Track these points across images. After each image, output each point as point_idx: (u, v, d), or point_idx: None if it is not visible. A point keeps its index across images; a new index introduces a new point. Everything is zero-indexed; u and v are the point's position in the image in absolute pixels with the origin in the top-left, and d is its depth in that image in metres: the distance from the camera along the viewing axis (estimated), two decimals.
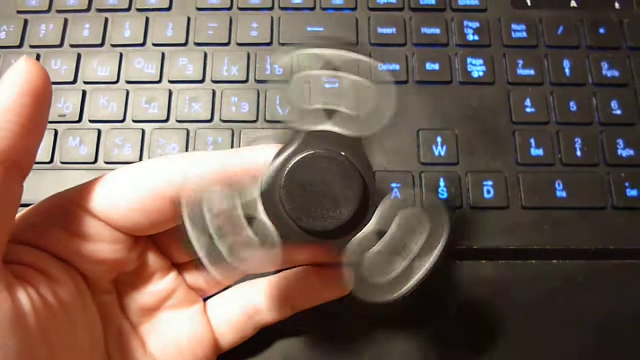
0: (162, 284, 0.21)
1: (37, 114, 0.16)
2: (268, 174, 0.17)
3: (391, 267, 0.17)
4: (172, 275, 0.22)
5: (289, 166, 0.16)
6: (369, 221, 0.17)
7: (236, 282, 0.23)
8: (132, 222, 0.19)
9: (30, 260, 0.17)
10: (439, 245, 0.17)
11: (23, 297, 0.16)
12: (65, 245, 0.18)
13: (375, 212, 0.17)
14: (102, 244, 0.19)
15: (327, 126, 0.17)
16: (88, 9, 0.30)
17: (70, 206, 0.18)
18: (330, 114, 0.17)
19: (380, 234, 0.17)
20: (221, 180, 0.18)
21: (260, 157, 0.18)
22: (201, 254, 0.16)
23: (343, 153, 0.17)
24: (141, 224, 0.19)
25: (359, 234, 0.17)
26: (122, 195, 0.18)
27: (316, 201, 0.16)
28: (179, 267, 0.22)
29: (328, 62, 0.17)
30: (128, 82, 0.29)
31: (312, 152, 0.16)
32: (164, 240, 0.21)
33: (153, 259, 0.21)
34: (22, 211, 0.19)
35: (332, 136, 0.17)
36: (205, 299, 0.23)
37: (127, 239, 0.19)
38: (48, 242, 0.18)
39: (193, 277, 0.22)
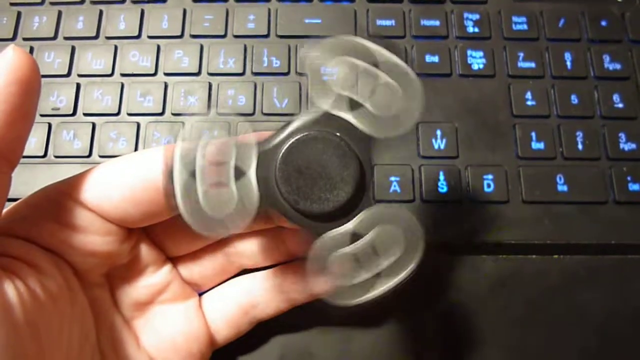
0: (155, 277, 0.21)
1: (25, 103, 0.16)
2: (263, 156, 0.16)
3: (356, 274, 0.16)
4: (167, 269, 0.21)
5: (284, 148, 0.16)
6: (367, 204, 0.17)
7: (232, 277, 0.23)
8: (123, 213, 0.18)
9: (17, 252, 0.17)
10: (408, 268, 0.17)
11: (10, 289, 0.15)
12: (55, 237, 0.18)
13: (356, 216, 0.17)
14: (93, 236, 0.18)
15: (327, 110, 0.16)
16: (82, 1, 0.30)
17: (61, 198, 0.18)
18: (354, 105, 0.16)
19: (354, 235, 0.17)
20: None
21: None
22: (177, 189, 0.16)
23: (338, 134, 0.16)
24: (133, 215, 0.18)
25: (333, 231, 0.17)
26: (114, 186, 0.18)
27: (313, 183, 0.16)
28: (174, 261, 0.22)
29: (370, 56, 0.16)
30: (123, 75, 0.28)
31: (307, 133, 0.16)
32: (158, 233, 0.21)
33: (146, 252, 0.21)
34: (12, 204, 0.19)
35: (327, 118, 0.17)
36: (200, 294, 0.23)
37: (119, 231, 0.19)
38: (38, 234, 0.18)
39: (188, 271, 0.22)
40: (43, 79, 0.28)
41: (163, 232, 0.21)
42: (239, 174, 0.16)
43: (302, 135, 0.16)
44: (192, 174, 0.16)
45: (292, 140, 0.16)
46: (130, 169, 0.18)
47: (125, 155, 0.19)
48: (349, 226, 0.17)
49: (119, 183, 0.18)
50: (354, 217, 0.17)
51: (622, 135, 0.27)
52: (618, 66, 0.29)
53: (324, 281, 0.17)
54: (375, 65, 0.16)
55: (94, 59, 0.29)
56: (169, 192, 0.16)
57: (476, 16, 0.29)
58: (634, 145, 0.27)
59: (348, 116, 0.16)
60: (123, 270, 0.20)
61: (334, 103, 0.16)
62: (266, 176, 0.16)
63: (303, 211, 0.16)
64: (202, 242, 0.22)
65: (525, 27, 0.29)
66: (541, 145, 0.27)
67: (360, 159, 0.16)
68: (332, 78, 0.16)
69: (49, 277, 0.17)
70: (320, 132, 0.16)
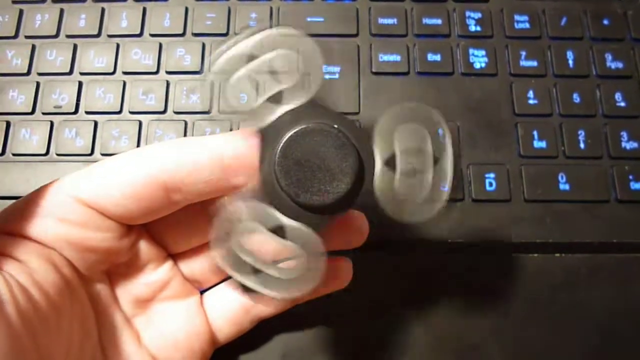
0: (156, 274, 0.21)
1: None
2: (263, 150, 0.17)
3: (422, 185, 0.17)
4: (168, 266, 0.21)
5: (283, 142, 0.16)
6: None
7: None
8: (123, 210, 0.18)
9: (9, 249, 0.17)
10: (447, 147, 0.17)
11: (1, 285, 0.15)
12: (53, 234, 0.18)
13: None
14: (92, 232, 0.18)
15: (289, 107, 0.17)
16: None
17: (59, 194, 0.18)
18: (278, 96, 0.17)
19: (389, 160, 0.17)
20: (213, 166, 0.18)
21: (253, 144, 0.18)
22: (256, 287, 0.17)
23: (335, 125, 0.16)
24: (133, 212, 0.18)
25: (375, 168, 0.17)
26: (114, 182, 0.18)
27: (312, 176, 0.16)
28: (175, 258, 0.22)
29: (253, 53, 0.17)
30: (125, 73, 0.28)
31: (305, 126, 0.16)
32: (158, 229, 0.21)
33: (147, 249, 0.21)
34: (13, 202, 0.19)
35: (321, 110, 0.17)
36: (202, 292, 0.23)
37: (118, 228, 0.19)
38: (36, 230, 0.18)
39: (189, 268, 0.22)
40: (45, 77, 0.28)
41: (164, 229, 0.21)
42: (278, 230, 0.17)
43: (300, 128, 0.16)
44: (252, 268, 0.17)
45: (290, 133, 0.16)
46: (131, 165, 0.18)
47: (125, 152, 0.19)
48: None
49: (119, 179, 0.18)
50: (353, 208, 0.17)
51: (624, 134, 0.27)
52: (620, 65, 0.29)
53: (405, 207, 0.17)
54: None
55: (96, 57, 0.29)
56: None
57: (478, 15, 0.29)
58: (635, 144, 0.27)
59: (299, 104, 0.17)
60: (124, 268, 0.20)
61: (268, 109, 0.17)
62: (265, 171, 0.16)
63: (303, 204, 0.16)
64: (202, 238, 0.22)
65: (527, 25, 0.29)
66: (543, 144, 0.27)
67: (359, 150, 0.16)
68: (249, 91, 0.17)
69: (44, 274, 0.17)
70: (318, 124, 0.16)
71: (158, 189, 0.18)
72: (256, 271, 0.17)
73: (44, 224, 0.18)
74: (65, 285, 0.18)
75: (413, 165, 0.16)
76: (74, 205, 0.18)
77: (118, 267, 0.20)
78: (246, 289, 0.17)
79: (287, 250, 0.17)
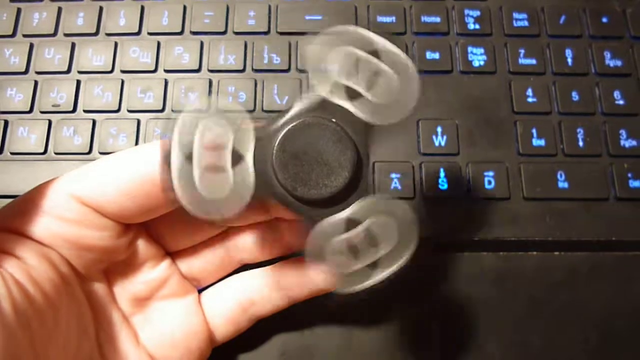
0: (154, 272, 0.21)
1: None
2: (260, 142, 0.16)
3: (351, 263, 0.17)
4: (165, 264, 0.21)
5: (281, 134, 0.16)
6: (364, 190, 0.17)
7: (230, 274, 0.23)
8: (120, 208, 0.18)
9: (6, 246, 0.17)
10: (402, 259, 0.17)
11: None
12: (50, 232, 0.18)
13: (352, 204, 0.17)
14: (89, 231, 0.18)
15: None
16: None
17: (57, 193, 0.18)
18: (350, 94, 0.17)
19: (349, 222, 0.17)
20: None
21: None
22: (174, 171, 0.16)
23: (334, 120, 0.16)
24: (129, 210, 0.18)
25: (329, 219, 0.17)
26: (110, 180, 0.18)
27: (310, 169, 0.16)
28: (173, 256, 0.22)
29: (369, 45, 0.17)
30: (123, 71, 0.28)
31: (304, 120, 0.16)
32: (156, 228, 0.21)
33: (145, 247, 0.20)
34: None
35: (324, 105, 0.17)
36: (200, 291, 0.23)
37: (115, 226, 0.19)
38: (33, 228, 0.18)
39: (187, 266, 0.22)
40: (44, 76, 0.28)
41: (162, 227, 0.21)
42: (237, 158, 0.16)
43: (299, 121, 0.16)
44: (189, 157, 0.16)
45: (289, 126, 0.16)
46: (127, 163, 0.18)
47: (122, 150, 0.19)
48: (345, 214, 0.17)
49: (116, 177, 0.18)
50: (351, 203, 0.17)
51: (623, 132, 0.27)
52: (619, 63, 0.29)
53: (321, 269, 0.17)
54: (374, 54, 0.16)
55: (94, 55, 0.29)
56: (166, 175, 0.16)
57: (477, 13, 0.29)
58: (634, 142, 0.27)
59: (345, 103, 0.17)
60: (121, 266, 0.20)
61: (331, 90, 0.16)
62: (263, 162, 0.16)
63: (300, 197, 0.16)
64: (201, 236, 0.22)
65: (526, 23, 0.29)
66: (542, 142, 0.27)
67: (357, 145, 0.16)
68: (331, 66, 0.16)
69: (40, 271, 0.17)
70: (316, 118, 0.16)
71: (154, 187, 0.18)
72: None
73: (42, 222, 0.18)
74: (62, 283, 0.18)
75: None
76: (71, 203, 0.18)
77: (116, 266, 0.20)
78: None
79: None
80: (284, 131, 0.16)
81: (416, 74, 0.16)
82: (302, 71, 0.28)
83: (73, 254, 0.18)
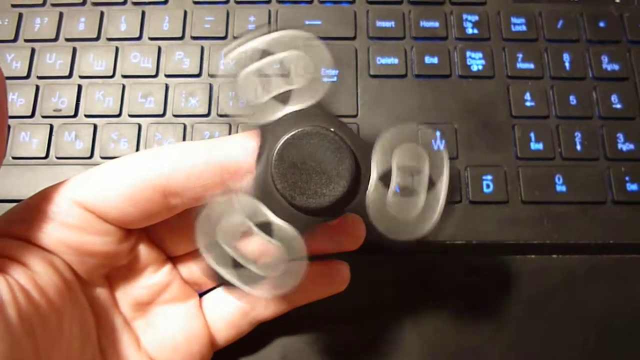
0: (155, 277, 0.21)
1: None
2: (259, 153, 0.17)
3: (414, 202, 0.17)
4: (167, 269, 0.21)
5: (279, 145, 0.16)
6: (361, 198, 0.17)
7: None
8: (122, 214, 0.18)
9: (12, 252, 0.17)
10: (444, 170, 0.17)
11: (2, 286, 0.15)
12: (53, 238, 0.18)
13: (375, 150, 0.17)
14: (91, 237, 0.18)
15: (294, 107, 0.17)
16: (83, 3, 0.30)
17: (59, 199, 0.18)
18: (286, 97, 0.17)
19: (384, 175, 0.17)
20: (210, 171, 0.18)
21: (251, 149, 0.18)
22: (233, 281, 0.17)
23: (332, 129, 0.16)
24: (131, 215, 0.19)
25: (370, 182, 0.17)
26: (112, 186, 0.18)
27: (308, 179, 0.16)
28: (174, 260, 0.22)
29: (265, 50, 0.17)
30: (124, 76, 0.29)
31: (301, 129, 0.16)
32: (158, 232, 0.21)
33: (146, 252, 0.21)
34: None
35: (316, 113, 0.17)
36: (201, 295, 0.23)
37: (117, 232, 0.19)
38: (35, 234, 0.18)
39: (188, 270, 0.22)
40: (45, 80, 0.28)
41: (163, 232, 0.21)
42: (265, 226, 0.17)
43: (297, 130, 0.16)
44: (229, 258, 0.17)
45: (287, 136, 0.16)
46: (129, 168, 0.18)
47: (124, 155, 0.19)
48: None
49: (118, 183, 0.18)
50: (349, 211, 0.17)
51: (621, 136, 0.27)
52: (616, 67, 0.29)
53: (395, 223, 0.17)
54: (271, 52, 0.17)
55: (95, 60, 0.29)
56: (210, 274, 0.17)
57: (475, 17, 0.30)
58: (632, 146, 0.27)
59: (296, 107, 0.17)
60: (123, 271, 0.20)
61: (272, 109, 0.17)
62: (262, 172, 0.16)
63: (300, 207, 0.16)
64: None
65: (524, 28, 0.29)
66: (540, 146, 0.27)
67: (355, 153, 0.17)
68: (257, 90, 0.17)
69: (45, 277, 0.17)
70: (315, 127, 0.16)
71: (156, 193, 0.18)
72: (237, 265, 0.17)
73: (46, 228, 0.18)
74: (66, 289, 0.18)
75: (408, 184, 0.17)
76: (74, 209, 0.18)
77: (118, 271, 0.20)
78: (227, 284, 0.17)
79: (270, 249, 0.17)
80: (283, 140, 0.16)
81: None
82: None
83: (76, 259, 0.19)
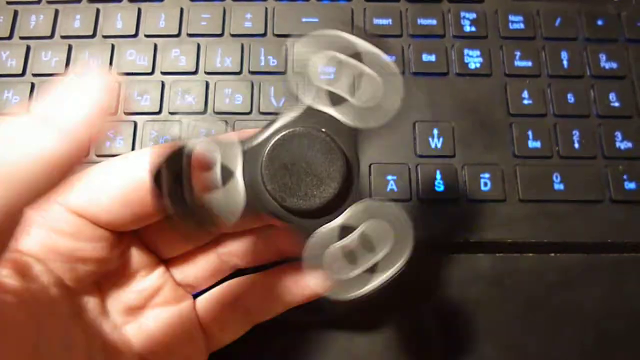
0: (147, 281, 0.21)
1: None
2: (248, 155, 0.16)
3: (348, 269, 0.16)
4: (159, 272, 0.21)
5: (269, 146, 0.16)
6: (355, 198, 0.17)
7: (225, 279, 0.23)
8: (114, 216, 0.18)
9: None
10: (399, 262, 0.17)
11: None
12: (45, 245, 0.17)
13: (345, 211, 0.17)
14: (82, 242, 0.18)
15: (316, 106, 0.17)
16: (79, 0, 0.30)
17: (51, 204, 0.18)
18: (335, 99, 0.16)
19: (343, 230, 0.17)
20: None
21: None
22: (165, 192, 0.16)
23: (323, 130, 0.16)
24: (124, 217, 0.18)
25: (325, 227, 0.17)
26: (103, 188, 0.18)
27: (299, 180, 0.16)
28: (166, 263, 0.22)
29: (352, 48, 0.16)
30: (120, 74, 0.28)
31: (292, 130, 0.16)
32: (149, 235, 0.21)
33: (137, 256, 0.20)
34: None
35: (310, 113, 0.17)
36: (195, 296, 0.22)
37: (109, 236, 0.19)
38: (28, 242, 0.17)
39: (181, 273, 0.22)
40: (40, 78, 0.28)
41: (154, 234, 0.21)
42: (227, 174, 0.16)
43: (287, 132, 0.16)
44: (179, 177, 0.16)
45: (277, 137, 0.16)
46: (119, 170, 0.18)
47: (112, 158, 0.19)
48: (338, 221, 0.17)
49: (108, 185, 0.18)
50: (342, 212, 0.17)
51: (618, 134, 0.27)
52: (614, 65, 0.29)
53: (319, 277, 0.17)
54: (357, 57, 0.16)
55: (91, 58, 0.29)
56: (156, 194, 0.16)
57: (473, 15, 0.29)
58: (630, 144, 0.27)
59: (330, 110, 0.16)
60: (114, 276, 0.20)
61: (316, 97, 0.16)
62: (252, 174, 0.16)
63: (290, 208, 0.16)
64: (194, 242, 0.22)
65: (521, 26, 0.29)
66: (537, 144, 0.27)
67: (346, 154, 0.16)
68: (314, 72, 0.16)
69: (32, 282, 0.16)
70: (305, 129, 0.16)
71: (147, 193, 0.18)
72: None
73: (36, 235, 0.17)
74: (54, 295, 0.17)
75: (355, 254, 0.16)
76: (65, 214, 0.18)
77: (108, 276, 0.20)
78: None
79: None
80: (273, 142, 0.16)
81: (399, 74, 0.16)
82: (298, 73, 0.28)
83: (65, 267, 0.18)
